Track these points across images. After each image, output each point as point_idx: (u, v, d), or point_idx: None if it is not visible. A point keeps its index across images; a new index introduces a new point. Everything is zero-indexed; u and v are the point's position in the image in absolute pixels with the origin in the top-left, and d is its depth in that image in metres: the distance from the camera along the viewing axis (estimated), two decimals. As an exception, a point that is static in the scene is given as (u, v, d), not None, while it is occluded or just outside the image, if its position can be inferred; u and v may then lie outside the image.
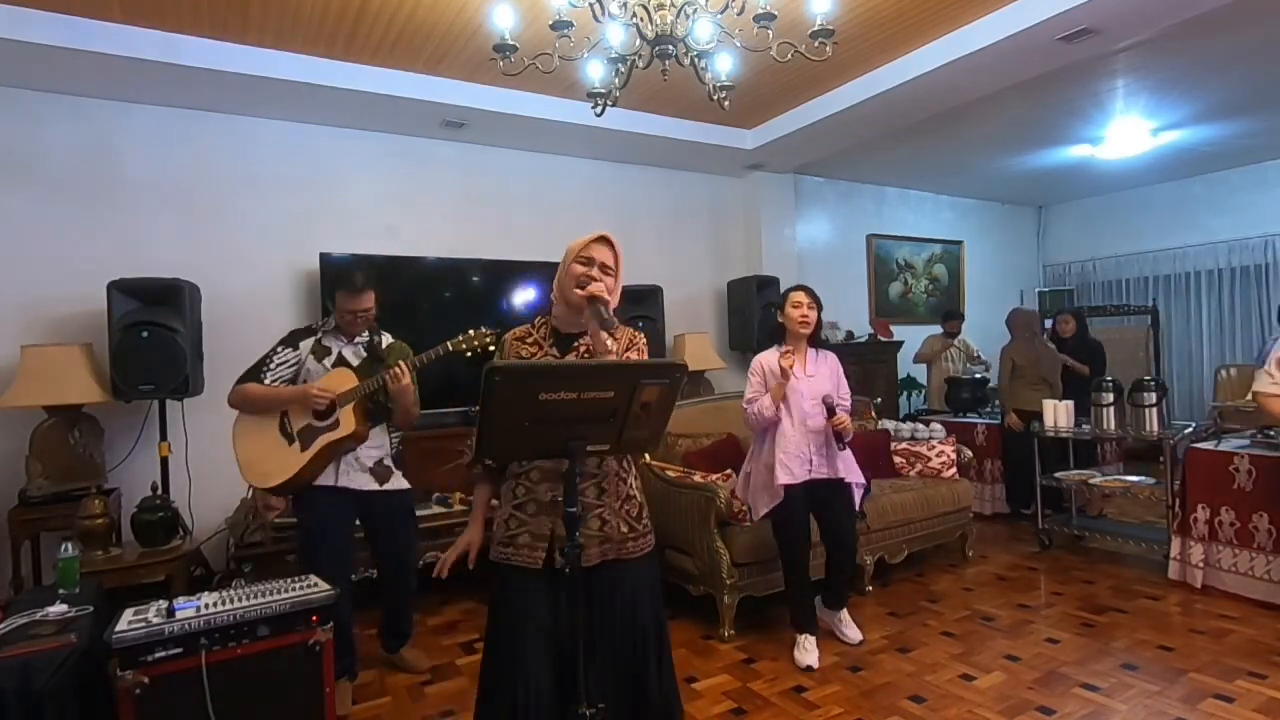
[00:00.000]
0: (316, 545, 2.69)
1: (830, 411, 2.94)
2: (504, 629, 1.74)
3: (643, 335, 1.91)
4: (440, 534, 3.63)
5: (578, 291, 1.75)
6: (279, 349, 2.77)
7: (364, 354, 2.83)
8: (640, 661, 1.74)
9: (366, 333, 2.85)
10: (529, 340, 1.87)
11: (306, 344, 2.78)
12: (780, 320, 3.13)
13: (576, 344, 1.83)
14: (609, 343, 1.75)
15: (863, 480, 3.15)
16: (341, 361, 2.78)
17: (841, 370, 3.19)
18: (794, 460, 2.99)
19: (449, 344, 2.64)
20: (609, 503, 1.77)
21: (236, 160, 4.23)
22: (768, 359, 3.10)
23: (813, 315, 3.06)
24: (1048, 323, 5.94)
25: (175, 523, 3.29)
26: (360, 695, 2.83)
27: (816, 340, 3.17)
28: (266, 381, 2.70)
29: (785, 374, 2.93)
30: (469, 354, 2.63)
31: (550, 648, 1.70)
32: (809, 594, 3.13)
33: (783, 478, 2.97)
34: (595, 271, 1.77)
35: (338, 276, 2.90)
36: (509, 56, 2.60)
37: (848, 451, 3.04)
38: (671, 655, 1.84)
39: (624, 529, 1.78)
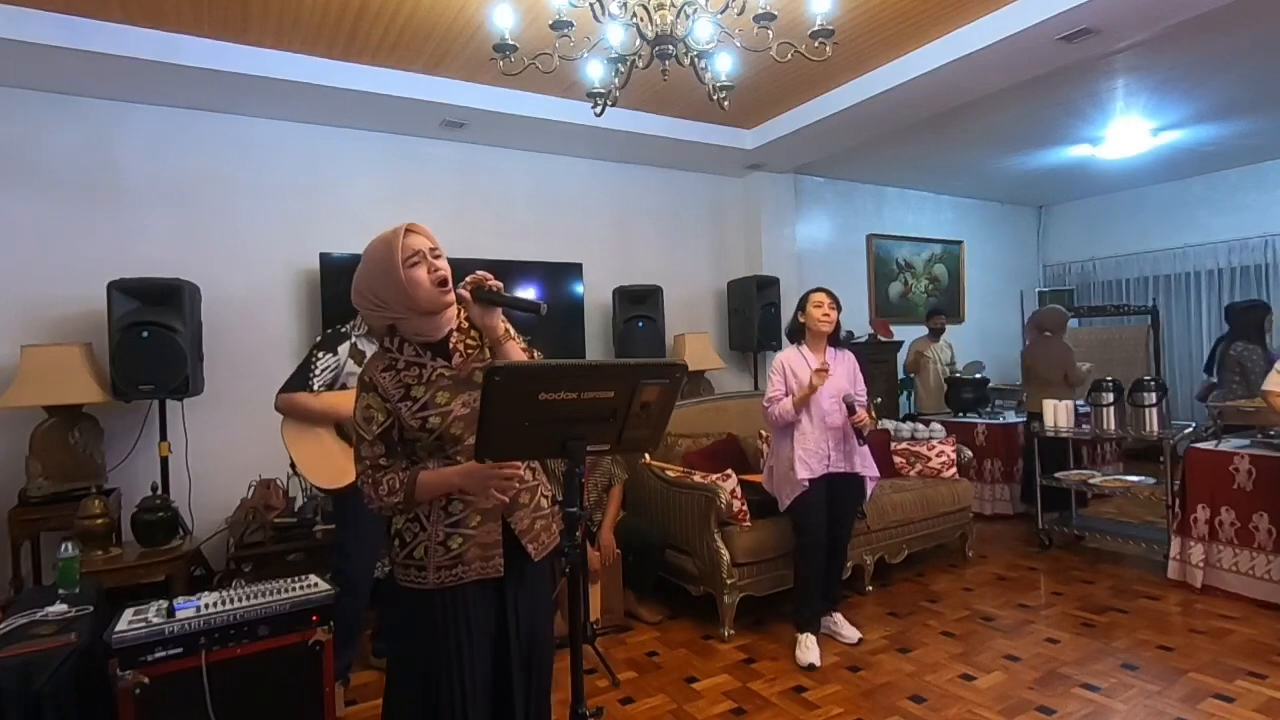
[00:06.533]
0: (353, 543, 2.77)
1: (851, 410, 3.07)
2: (446, 652, 1.61)
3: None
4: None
5: (463, 291, 1.63)
6: (319, 354, 2.79)
7: None
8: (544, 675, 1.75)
9: None
10: (400, 366, 1.63)
11: (344, 348, 2.80)
12: (801, 320, 3.25)
13: (453, 345, 1.69)
14: (499, 322, 1.66)
15: (877, 474, 3.32)
16: None
17: (858, 367, 3.33)
18: (813, 457, 3.13)
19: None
20: (539, 504, 1.76)
21: (236, 160, 4.23)
22: (789, 358, 3.24)
23: (834, 315, 3.22)
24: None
25: (175, 523, 3.29)
26: (359, 696, 2.83)
27: (836, 339, 3.30)
28: (315, 388, 2.73)
29: (814, 387, 3.06)
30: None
31: (491, 657, 1.66)
32: (818, 589, 3.19)
33: (802, 473, 3.10)
34: (437, 262, 1.62)
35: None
36: (509, 56, 2.60)
37: (865, 446, 3.19)
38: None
39: (553, 528, 1.78)
